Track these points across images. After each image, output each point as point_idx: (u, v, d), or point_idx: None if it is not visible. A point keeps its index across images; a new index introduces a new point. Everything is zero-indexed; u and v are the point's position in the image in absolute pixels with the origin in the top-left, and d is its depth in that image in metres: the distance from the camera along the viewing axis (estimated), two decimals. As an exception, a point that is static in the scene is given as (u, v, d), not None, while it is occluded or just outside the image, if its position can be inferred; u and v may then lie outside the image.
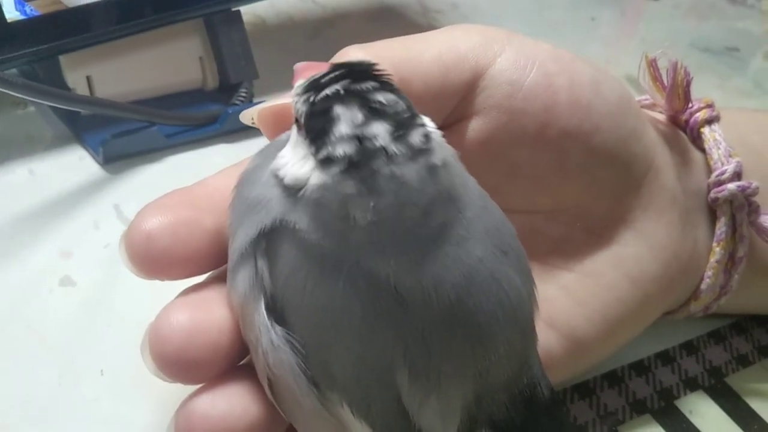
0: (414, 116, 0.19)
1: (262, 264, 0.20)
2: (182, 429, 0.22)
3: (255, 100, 0.42)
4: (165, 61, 0.41)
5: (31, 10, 0.37)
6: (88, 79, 0.39)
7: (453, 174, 0.20)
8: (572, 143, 0.26)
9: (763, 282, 0.32)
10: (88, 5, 0.38)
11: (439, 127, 0.20)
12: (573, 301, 0.27)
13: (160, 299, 0.23)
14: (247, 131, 0.25)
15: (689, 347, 0.33)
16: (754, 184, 0.30)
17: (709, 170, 0.30)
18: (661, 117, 0.32)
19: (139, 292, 0.27)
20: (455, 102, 0.26)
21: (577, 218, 0.28)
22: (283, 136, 0.22)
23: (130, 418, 0.28)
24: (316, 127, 0.19)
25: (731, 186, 0.29)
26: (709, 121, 0.31)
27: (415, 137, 0.19)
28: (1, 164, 0.38)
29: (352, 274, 0.19)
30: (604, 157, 0.27)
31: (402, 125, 0.19)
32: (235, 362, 0.22)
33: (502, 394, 0.21)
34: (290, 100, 0.21)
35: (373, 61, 0.20)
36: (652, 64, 0.31)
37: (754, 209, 0.30)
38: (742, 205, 0.30)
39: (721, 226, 0.30)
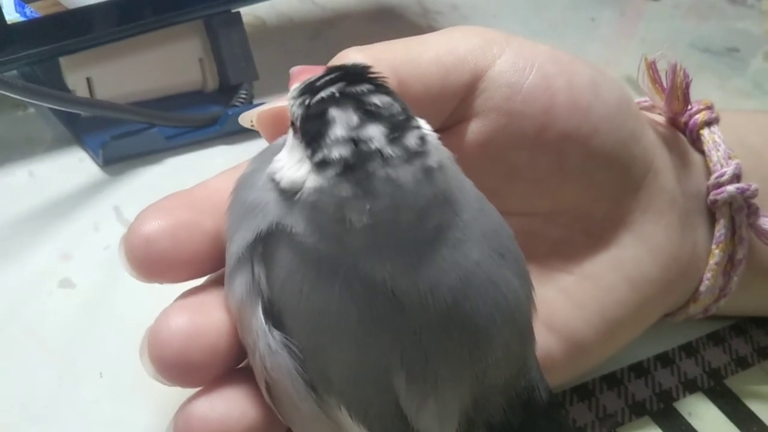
0: (409, 118, 0.19)
1: (259, 268, 0.20)
2: (181, 432, 0.22)
3: (255, 102, 0.42)
4: (165, 63, 0.41)
5: (31, 11, 0.37)
6: (88, 80, 0.39)
7: (449, 176, 0.20)
8: (571, 145, 0.26)
9: (762, 284, 0.32)
10: (88, 7, 0.38)
11: (438, 130, 0.20)
12: (572, 304, 0.27)
13: (160, 301, 0.23)
14: (247, 133, 0.25)
15: (688, 349, 0.33)
16: (754, 186, 0.30)
17: (709, 172, 0.30)
18: (661, 119, 0.32)
19: (139, 294, 0.27)
20: (454, 104, 0.26)
21: (576, 220, 0.28)
22: (281, 139, 0.22)
23: (130, 421, 0.28)
24: (311, 130, 0.19)
25: (730, 188, 0.29)
26: (709, 123, 0.31)
27: (411, 140, 0.19)
28: (1, 166, 0.38)
29: (348, 277, 0.19)
30: (603, 159, 0.27)
31: (397, 128, 0.19)
32: (233, 365, 0.22)
33: (500, 397, 0.21)
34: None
35: (369, 63, 0.20)
36: (652, 66, 0.31)
37: (753, 211, 0.30)
38: (741, 207, 0.30)
39: (721, 228, 0.30)
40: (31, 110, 0.42)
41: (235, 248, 0.21)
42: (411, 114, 0.20)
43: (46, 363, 0.29)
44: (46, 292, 0.32)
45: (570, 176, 0.27)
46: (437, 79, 0.25)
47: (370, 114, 0.19)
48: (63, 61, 0.38)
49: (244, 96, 0.42)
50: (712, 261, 0.30)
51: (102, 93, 0.39)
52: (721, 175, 0.30)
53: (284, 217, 0.20)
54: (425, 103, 0.24)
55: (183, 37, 0.41)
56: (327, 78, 0.20)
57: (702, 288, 0.30)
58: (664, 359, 0.33)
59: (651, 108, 0.32)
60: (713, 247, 0.30)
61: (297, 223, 0.19)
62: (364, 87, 0.19)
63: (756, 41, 0.60)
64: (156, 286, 0.23)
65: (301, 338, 0.20)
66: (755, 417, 0.31)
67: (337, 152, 0.18)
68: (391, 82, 0.20)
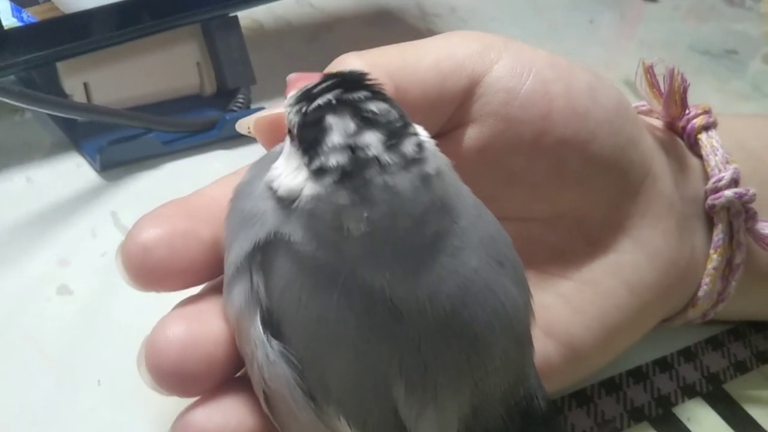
0: (407, 125, 0.19)
1: (257, 278, 0.20)
2: (179, 442, 0.22)
3: (253, 106, 0.42)
4: (162, 67, 0.41)
5: (28, 16, 0.37)
6: (86, 85, 0.39)
7: (447, 183, 0.20)
8: (569, 151, 0.26)
9: (760, 288, 0.31)
10: (85, 12, 0.38)
11: (436, 135, 0.20)
12: (571, 310, 0.27)
13: (158, 308, 0.23)
14: (244, 137, 0.25)
15: (687, 354, 0.33)
16: (752, 190, 0.29)
17: (707, 177, 0.30)
18: (659, 123, 0.32)
19: (137, 301, 0.26)
20: (452, 109, 0.26)
21: (574, 226, 0.28)
22: (279, 147, 0.22)
23: (127, 429, 0.28)
24: (308, 137, 0.19)
25: (728, 193, 0.29)
26: (707, 128, 0.31)
27: (408, 146, 0.19)
28: (-1, 171, 0.38)
29: (346, 285, 0.19)
30: (601, 164, 0.27)
31: (395, 134, 0.19)
32: (231, 374, 0.22)
33: (499, 406, 0.21)
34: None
35: (366, 69, 0.20)
36: (649, 71, 0.31)
37: (751, 216, 0.30)
38: (739, 212, 0.30)
39: (719, 233, 0.30)
40: (29, 115, 0.42)
41: (233, 257, 0.21)
42: (408, 121, 0.19)
43: (43, 370, 0.29)
44: (44, 298, 0.32)
45: (568, 181, 0.27)
46: (435, 84, 0.25)
47: (367, 121, 0.19)
48: (60, 66, 0.38)
49: (241, 100, 0.42)
50: (710, 265, 0.30)
51: (99, 98, 0.39)
52: (719, 180, 0.30)
53: (282, 225, 0.19)
54: (423, 108, 0.24)
55: (180, 41, 0.41)
56: (324, 85, 0.20)
57: (700, 293, 0.30)
58: (663, 364, 0.33)
59: (649, 112, 0.32)
60: (711, 251, 0.30)
61: (295, 232, 0.19)
62: (361, 94, 0.19)
63: (755, 43, 0.60)
64: (153, 293, 0.23)
65: (300, 347, 0.20)
66: (754, 422, 0.31)
67: (334, 160, 0.18)
68: (388, 88, 0.20)
